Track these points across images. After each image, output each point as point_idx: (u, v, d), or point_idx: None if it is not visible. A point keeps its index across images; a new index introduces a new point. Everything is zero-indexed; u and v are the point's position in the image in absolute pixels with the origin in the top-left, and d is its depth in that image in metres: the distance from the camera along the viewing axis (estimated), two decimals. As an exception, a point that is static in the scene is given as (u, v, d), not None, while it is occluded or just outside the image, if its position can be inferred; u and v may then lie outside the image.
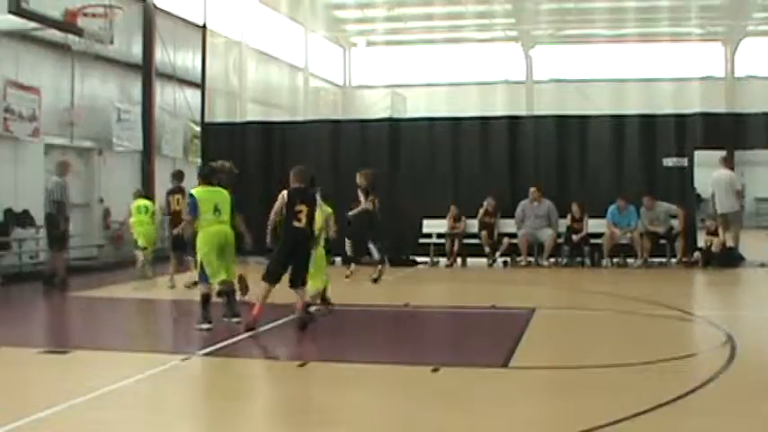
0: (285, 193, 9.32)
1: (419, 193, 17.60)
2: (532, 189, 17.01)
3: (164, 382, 7.38)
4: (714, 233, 16.41)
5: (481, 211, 17.32)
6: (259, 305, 9.26)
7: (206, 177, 10.27)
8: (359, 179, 14.01)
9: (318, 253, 10.28)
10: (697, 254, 16.57)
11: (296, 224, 9.15)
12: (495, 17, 32.71)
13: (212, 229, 9.74)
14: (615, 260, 17.00)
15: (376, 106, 32.29)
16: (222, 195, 9.98)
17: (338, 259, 15.80)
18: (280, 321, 10.12)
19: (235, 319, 9.62)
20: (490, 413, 6.17)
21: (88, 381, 6.99)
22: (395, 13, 32.65)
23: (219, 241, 9.74)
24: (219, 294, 9.73)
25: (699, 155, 17.01)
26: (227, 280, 9.72)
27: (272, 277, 9.29)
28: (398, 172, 17.85)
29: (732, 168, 16.96)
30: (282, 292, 11.19)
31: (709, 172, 17.29)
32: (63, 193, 13.86)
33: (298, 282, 9.43)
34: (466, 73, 33.96)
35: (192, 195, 9.95)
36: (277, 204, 9.29)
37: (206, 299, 9.64)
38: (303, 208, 9.20)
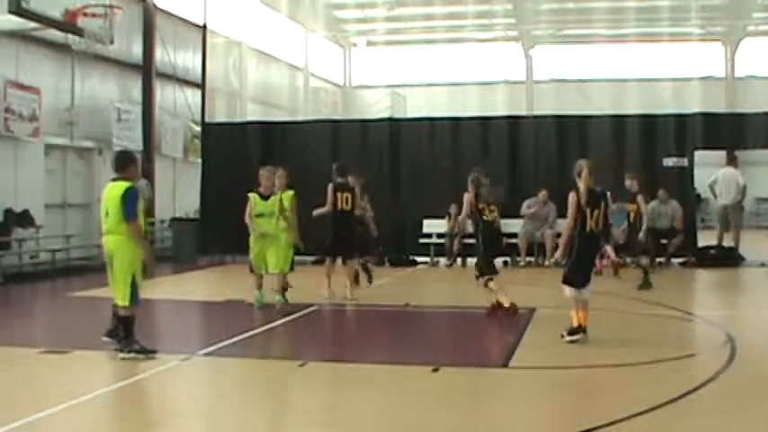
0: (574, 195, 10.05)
1: (419, 193, 17.59)
2: (544, 192, 16.84)
3: (164, 382, 7.38)
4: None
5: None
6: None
7: (117, 166, 8.05)
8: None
9: None
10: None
11: (591, 225, 9.73)
12: (495, 17, 32.63)
13: (102, 241, 8.00)
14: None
15: (376, 106, 32.27)
16: (114, 192, 7.79)
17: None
18: (279, 321, 10.13)
19: (110, 341, 8.04)
20: (490, 413, 6.17)
21: (88, 381, 7.00)
22: (395, 13, 32.59)
23: (107, 254, 7.92)
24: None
25: (699, 155, 17.02)
26: (115, 304, 7.98)
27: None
28: (398, 172, 17.84)
29: (737, 167, 17.14)
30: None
31: (709, 172, 17.40)
32: (151, 192, 17.31)
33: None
34: (466, 73, 33.88)
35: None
36: (572, 208, 9.78)
37: (118, 320, 8.00)
38: (597, 211, 9.84)
